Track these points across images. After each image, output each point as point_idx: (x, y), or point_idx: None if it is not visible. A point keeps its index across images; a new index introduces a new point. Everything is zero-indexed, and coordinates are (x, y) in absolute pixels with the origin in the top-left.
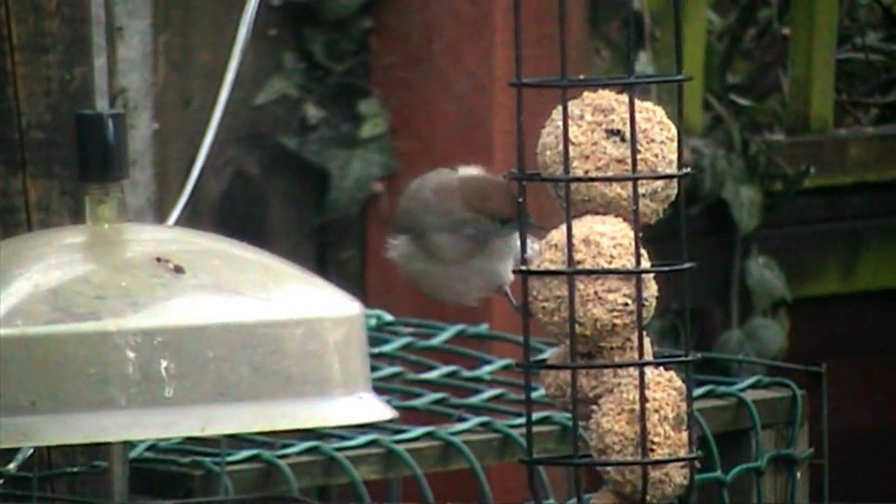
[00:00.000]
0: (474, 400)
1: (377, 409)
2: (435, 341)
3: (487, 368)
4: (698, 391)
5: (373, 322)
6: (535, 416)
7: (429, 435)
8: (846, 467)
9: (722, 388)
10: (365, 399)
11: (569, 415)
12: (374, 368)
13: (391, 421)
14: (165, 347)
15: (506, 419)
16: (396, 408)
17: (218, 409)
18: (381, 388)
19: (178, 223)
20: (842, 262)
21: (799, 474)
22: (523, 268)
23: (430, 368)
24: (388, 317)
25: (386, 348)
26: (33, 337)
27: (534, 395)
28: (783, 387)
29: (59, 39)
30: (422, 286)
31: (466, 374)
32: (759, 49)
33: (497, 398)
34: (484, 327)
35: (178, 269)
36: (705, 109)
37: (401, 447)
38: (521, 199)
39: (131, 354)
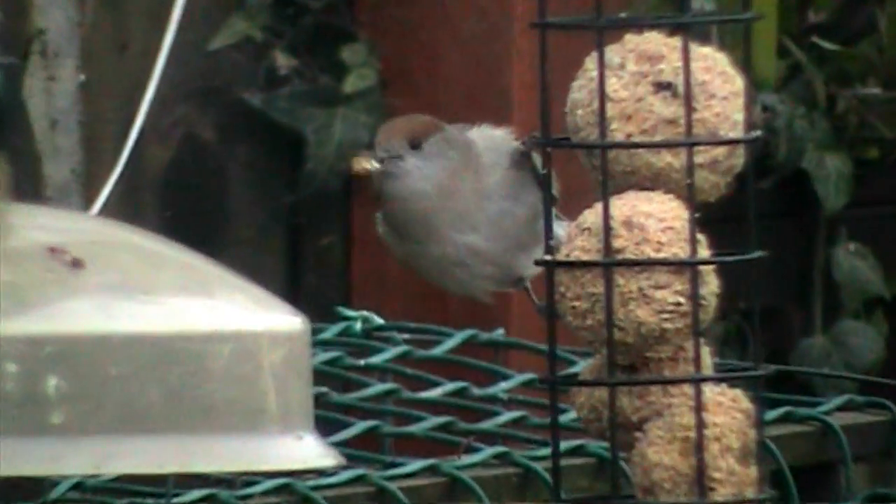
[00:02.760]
0: (487, 425)
1: (320, 453)
2: (438, 350)
3: (504, 385)
4: (771, 414)
5: (358, 326)
6: (564, 445)
7: (430, 469)
8: None
9: (802, 411)
10: (305, 440)
11: (606, 444)
12: (361, 384)
13: (382, 451)
14: (56, 361)
15: (527, 449)
16: (390, 434)
17: (119, 442)
18: (371, 409)
19: (109, 200)
20: None
21: None
22: (548, 258)
23: (432, 385)
24: (379, 319)
25: (375, 359)
26: None
27: (562, 418)
28: (880, 408)
29: None
30: (423, 277)
31: (477, 391)
32: None
33: (516, 422)
34: (499, 333)
35: (77, 263)
36: (780, 56)
37: (395, 484)
38: (545, 171)
39: (12, 367)
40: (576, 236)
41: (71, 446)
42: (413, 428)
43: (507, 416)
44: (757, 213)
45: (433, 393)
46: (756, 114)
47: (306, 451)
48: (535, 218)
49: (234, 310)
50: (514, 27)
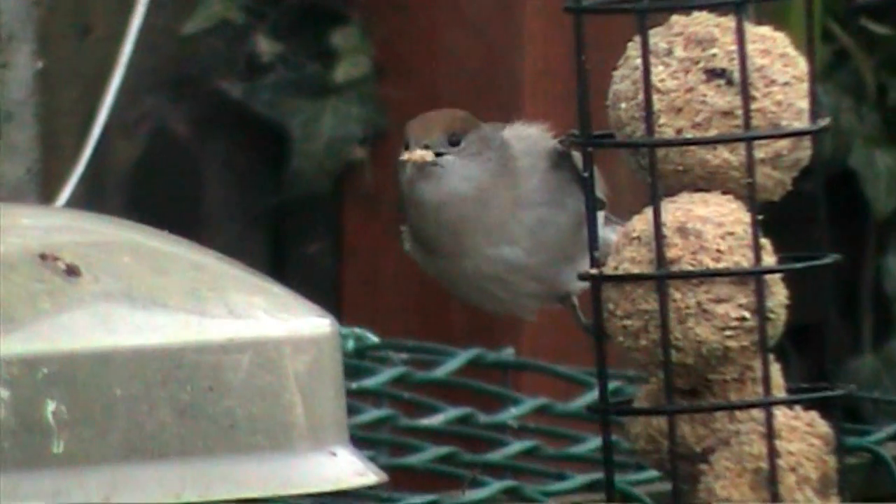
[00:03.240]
0: (495, 456)
1: (358, 470)
2: (440, 372)
3: (514, 411)
4: None
5: (350, 344)
6: (583, 478)
7: None
8: None
9: (851, 439)
10: (340, 455)
11: (666, 477)
12: (353, 410)
13: (378, 486)
14: (54, 383)
15: (540, 483)
16: (385, 467)
17: (129, 471)
18: (364, 438)
19: (70, 203)
20: None
21: None
22: (594, 271)
23: (434, 411)
24: (373, 337)
25: (370, 382)
26: None
27: (579, 449)
28: None
29: None
30: (457, 296)
31: (484, 418)
32: None
33: (528, 453)
34: (509, 352)
35: (72, 271)
36: (824, 41)
37: None
38: (586, 173)
39: (4, 393)
40: (624, 246)
41: (75, 478)
42: (412, 459)
43: (518, 446)
44: (802, 216)
45: (434, 420)
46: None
47: (341, 468)
48: (580, 225)
49: (251, 314)
50: (525, 7)
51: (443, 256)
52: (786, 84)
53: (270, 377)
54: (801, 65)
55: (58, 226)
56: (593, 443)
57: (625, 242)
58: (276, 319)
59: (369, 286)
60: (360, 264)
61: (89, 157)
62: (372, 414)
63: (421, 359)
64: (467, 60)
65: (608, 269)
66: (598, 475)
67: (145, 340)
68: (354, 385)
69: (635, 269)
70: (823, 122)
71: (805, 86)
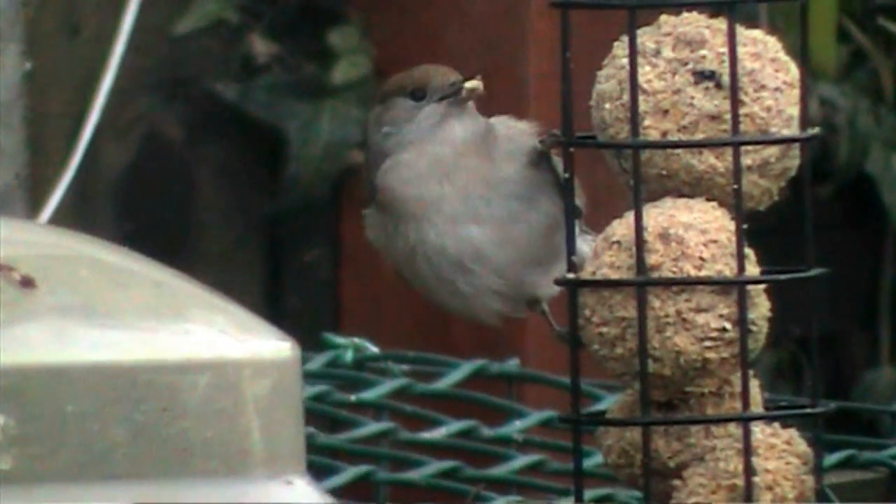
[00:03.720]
0: (499, 470)
1: (313, 501)
2: (442, 384)
3: (518, 424)
4: (831, 458)
5: (349, 356)
6: (589, 494)
7: None
8: None
9: (867, 454)
10: (296, 485)
11: (639, 493)
12: (353, 423)
13: (377, 501)
14: (3, 397)
15: (545, 498)
16: (387, 482)
17: (78, 490)
18: (363, 452)
19: (59, 210)
20: None
21: None
22: (571, 276)
23: (436, 424)
24: (373, 347)
25: (369, 394)
26: None
27: (587, 463)
28: None
29: None
30: (422, 292)
31: (488, 432)
32: None
33: (533, 468)
34: (513, 363)
35: (27, 282)
36: (841, 41)
37: None
38: (567, 175)
39: None
40: (603, 251)
41: (21, 496)
42: (413, 474)
43: (523, 460)
44: (813, 224)
45: (436, 433)
46: (814, 108)
47: (297, 498)
48: (553, 230)
49: (211, 334)
50: (530, 7)
51: (412, 226)
52: (776, 90)
53: (227, 400)
54: (793, 71)
55: (15, 237)
56: (600, 457)
57: (604, 247)
58: (235, 341)
59: (369, 295)
60: (359, 272)
61: (79, 162)
62: (371, 427)
63: (422, 370)
64: (470, 61)
65: (586, 274)
66: (605, 490)
67: (100, 357)
68: (354, 397)
69: (614, 275)
70: (813, 130)
71: (796, 92)
